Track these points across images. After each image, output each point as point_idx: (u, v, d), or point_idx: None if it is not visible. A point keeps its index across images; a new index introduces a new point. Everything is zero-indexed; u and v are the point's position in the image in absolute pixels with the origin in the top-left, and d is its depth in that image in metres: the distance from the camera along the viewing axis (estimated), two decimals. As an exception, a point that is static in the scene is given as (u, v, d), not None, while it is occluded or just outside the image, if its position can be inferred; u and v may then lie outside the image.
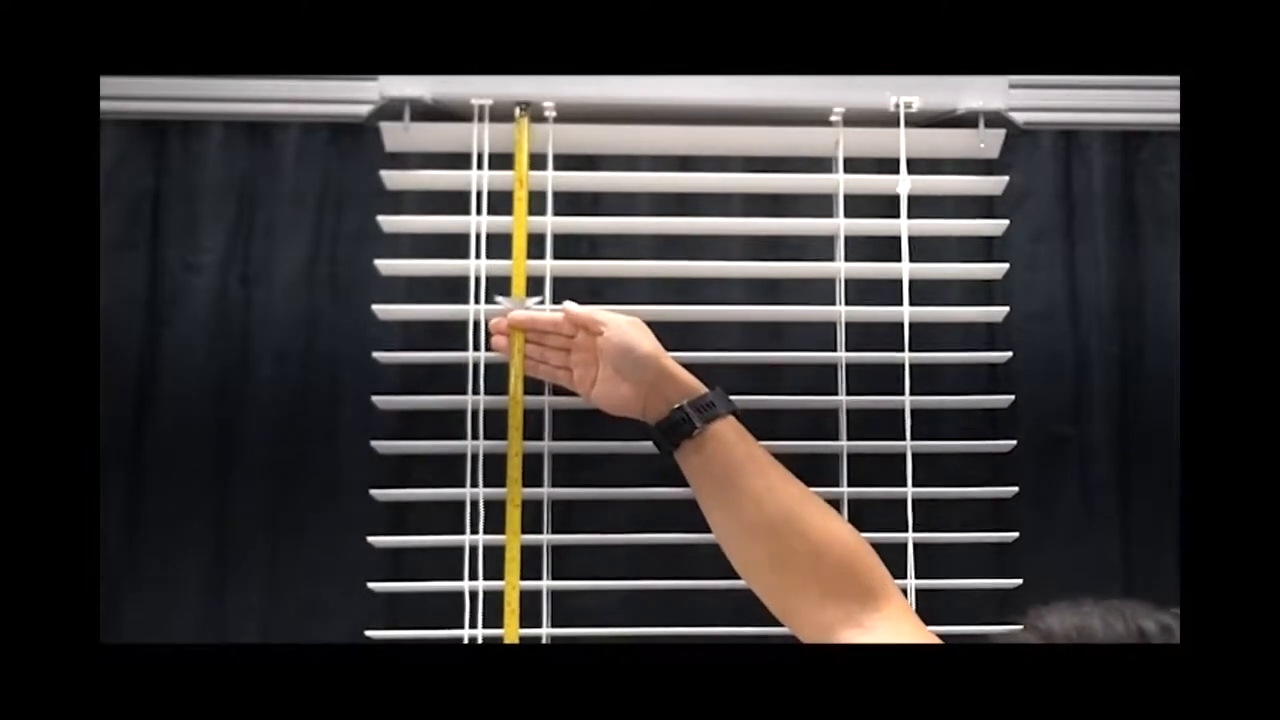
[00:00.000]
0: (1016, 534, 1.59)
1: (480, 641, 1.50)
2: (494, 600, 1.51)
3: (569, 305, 1.48)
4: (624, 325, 1.44)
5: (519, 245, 1.56)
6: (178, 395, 1.60)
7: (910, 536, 1.55)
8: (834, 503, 1.55)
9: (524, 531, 1.53)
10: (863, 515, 1.57)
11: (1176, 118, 1.28)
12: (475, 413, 1.54)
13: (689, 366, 1.50)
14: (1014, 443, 1.60)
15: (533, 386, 1.55)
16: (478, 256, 1.58)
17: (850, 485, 1.58)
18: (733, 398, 1.54)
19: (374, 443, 1.56)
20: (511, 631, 1.47)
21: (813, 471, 1.58)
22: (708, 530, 1.44)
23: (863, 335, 1.63)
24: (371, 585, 1.54)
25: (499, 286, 1.58)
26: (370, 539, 1.55)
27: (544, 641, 1.54)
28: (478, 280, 1.57)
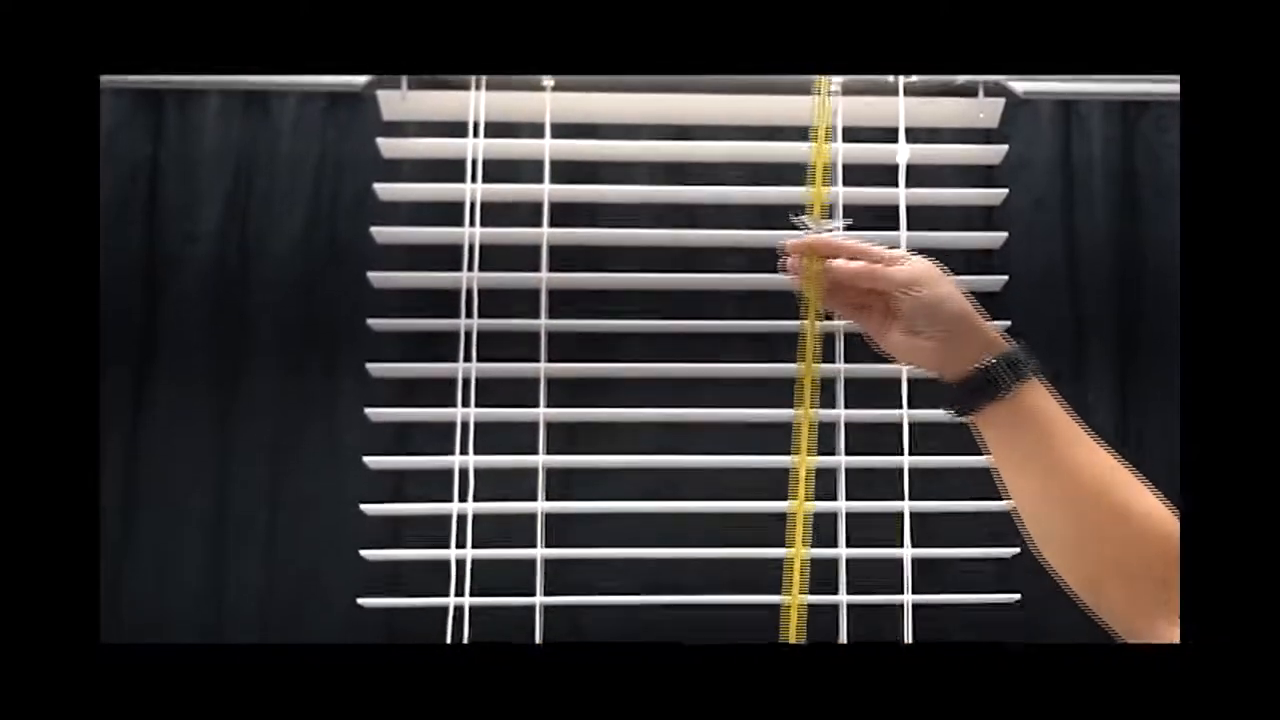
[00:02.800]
0: (1011, 502, 1.58)
1: (467, 608, 1.51)
2: (483, 568, 1.53)
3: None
4: (937, 275, 1.20)
5: (818, 169, 1.48)
6: (177, 362, 1.60)
7: (906, 505, 1.55)
8: (830, 473, 1.57)
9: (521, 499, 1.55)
10: (859, 485, 1.58)
11: (1176, 88, 1.27)
12: (466, 381, 1.54)
13: (687, 335, 1.51)
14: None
15: (530, 353, 1.56)
16: (473, 225, 1.57)
17: (848, 454, 1.57)
18: (727, 365, 1.54)
19: (367, 410, 1.56)
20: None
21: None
22: (715, 498, 1.53)
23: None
24: (365, 553, 1.54)
25: (494, 254, 1.58)
26: (363, 506, 1.55)
27: (536, 609, 1.54)
28: (471, 249, 1.57)
